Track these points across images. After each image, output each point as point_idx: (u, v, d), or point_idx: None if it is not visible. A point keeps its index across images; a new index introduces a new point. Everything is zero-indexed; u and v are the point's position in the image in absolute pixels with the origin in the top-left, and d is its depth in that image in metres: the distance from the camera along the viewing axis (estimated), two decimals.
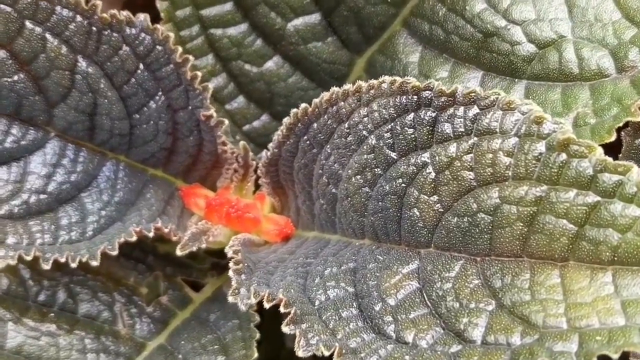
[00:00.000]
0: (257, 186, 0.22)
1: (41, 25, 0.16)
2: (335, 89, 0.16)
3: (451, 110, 0.14)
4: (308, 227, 0.20)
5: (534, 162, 0.12)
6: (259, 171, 0.21)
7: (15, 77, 0.17)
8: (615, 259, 0.11)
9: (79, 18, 0.16)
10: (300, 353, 0.14)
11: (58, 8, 0.16)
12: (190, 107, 0.18)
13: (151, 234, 0.19)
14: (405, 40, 0.19)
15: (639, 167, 0.17)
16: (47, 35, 0.16)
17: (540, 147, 0.12)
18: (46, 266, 0.17)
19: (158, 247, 0.23)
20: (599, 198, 0.12)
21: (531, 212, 0.12)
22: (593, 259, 0.12)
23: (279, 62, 0.20)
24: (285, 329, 0.14)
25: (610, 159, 0.12)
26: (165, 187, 0.23)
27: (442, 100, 0.14)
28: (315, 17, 0.20)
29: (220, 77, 0.20)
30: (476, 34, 0.18)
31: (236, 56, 0.20)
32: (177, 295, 0.22)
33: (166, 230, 0.19)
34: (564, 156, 0.12)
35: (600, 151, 0.12)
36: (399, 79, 0.15)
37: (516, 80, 0.17)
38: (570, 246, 0.12)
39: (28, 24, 0.16)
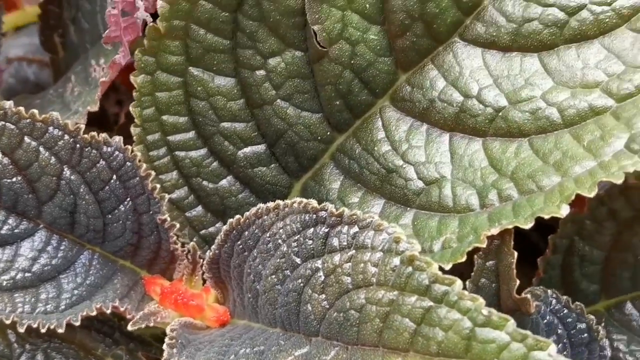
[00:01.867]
0: (205, 280, 0.26)
1: (36, 140, 0.21)
2: (262, 205, 0.21)
3: (339, 227, 0.18)
4: (240, 316, 0.23)
5: (390, 272, 0.16)
6: (204, 267, 0.24)
7: (14, 179, 0.21)
8: (440, 351, 0.15)
9: (66, 136, 0.21)
10: None
11: (50, 128, 0.21)
12: (151, 212, 0.23)
13: (109, 311, 0.23)
14: (331, 170, 0.24)
15: (489, 283, 0.21)
16: (41, 149, 0.21)
17: (396, 260, 0.16)
18: (21, 329, 0.21)
19: (123, 326, 0.26)
20: (431, 303, 0.15)
21: (385, 311, 0.16)
22: (425, 351, 0.15)
23: (231, 181, 0.25)
24: None
25: (440, 273, 0.16)
26: (131, 275, 0.26)
27: (333, 219, 0.18)
28: (261, 147, 0.25)
29: (182, 190, 0.25)
30: (381, 169, 0.23)
31: (196, 174, 0.25)
32: None
33: (122, 309, 0.23)
34: (410, 269, 0.16)
35: (435, 266, 0.16)
36: (304, 200, 0.19)
37: (408, 208, 0.22)
38: (410, 340, 0.15)
39: (26, 139, 0.21)
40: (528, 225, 0.19)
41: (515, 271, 0.20)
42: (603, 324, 0.23)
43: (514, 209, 0.20)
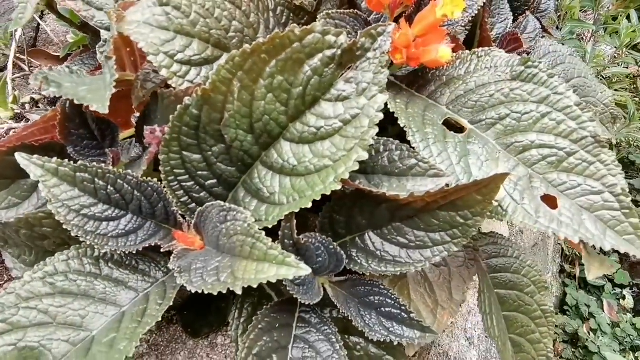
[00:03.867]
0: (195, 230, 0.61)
1: (128, 183, 0.56)
2: (215, 202, 0.55)
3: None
4: (208, 245, 0.59)
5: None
6: (193, 226, 0.60)
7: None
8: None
9: (133, 180, 0.56)
10: None
11: (128, 177, 0.56)
12: (173, 208, 0.58)
13: (156, 243, 0.58)
14: (240, 189, 0.59)
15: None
16: (125, 185, 0.56)
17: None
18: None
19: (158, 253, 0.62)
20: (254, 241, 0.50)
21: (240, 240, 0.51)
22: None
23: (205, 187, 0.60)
24: None
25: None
26: (167, 231, 0.62)
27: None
28: (215, 180, 0.59)
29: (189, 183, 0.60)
30: (258, 192, 0.57)
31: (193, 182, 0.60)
32: None
33: (160, 244, 0.58)
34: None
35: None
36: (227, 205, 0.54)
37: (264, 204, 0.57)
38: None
39: (119, 181, 0.56)
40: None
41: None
42: (348, 247, 0.58)
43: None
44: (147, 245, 0.56)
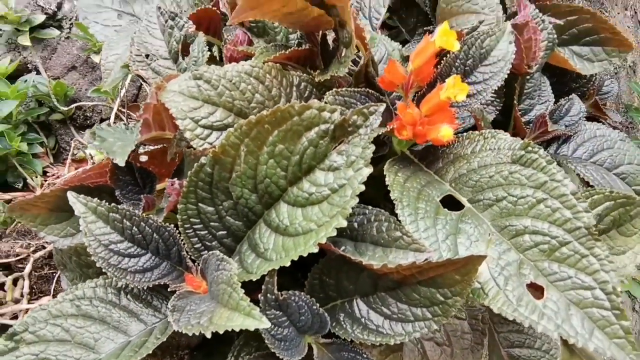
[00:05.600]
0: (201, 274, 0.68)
1: (142, 226, 0.65)
2: (216, 252, 0.61)
3: None
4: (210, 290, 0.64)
5: None
6: (199, 270, 0.66)
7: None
8: None
9: (154, 223, 0.64)
10: None
11: (142, 223, 0.64)
12: (186, 256, 0.65)
13: (166, 282, 0.65)
14: (248, 240, 0.64)
15: None
16: (145, 228, 0.65)
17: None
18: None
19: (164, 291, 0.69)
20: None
21: None
22: None
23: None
24: None
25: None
26: (179, 272, 0.69)
27: None
28: (224, 231, 0.66)
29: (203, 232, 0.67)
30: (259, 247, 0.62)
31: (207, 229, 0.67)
32: None
33: (171, 284, 0.65)
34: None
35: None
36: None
37: None
38: None
39: (137, 226, 0.64)
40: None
41: None
42: (337, 310, 0.60)
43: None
44: (159, 283, 0.64)
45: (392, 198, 0.57)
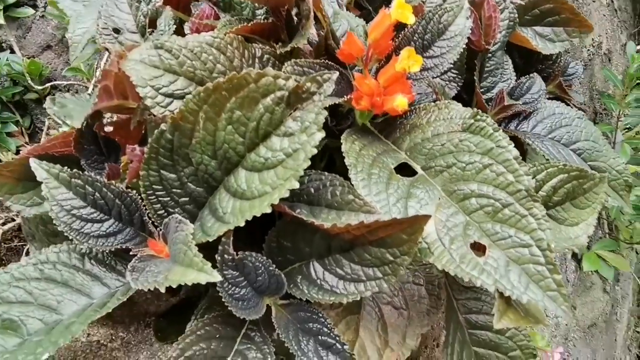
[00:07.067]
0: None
1: (111, 192, 0.66)
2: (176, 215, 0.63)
3: None
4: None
5: None
6: (162, 235, 0.68)
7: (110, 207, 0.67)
8: None
9: (116, 188, 0.66)
10: None
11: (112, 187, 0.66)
12: (150, 220, 0.67)
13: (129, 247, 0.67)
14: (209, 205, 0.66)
15: None
16: (109, 193, 0.66)
17: None
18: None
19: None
20: None
21: None
22: None
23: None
24: None
25: None
26: (142, 238, 0.70)
27: None
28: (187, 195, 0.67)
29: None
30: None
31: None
32: None
33: (134, 248, 0.67)
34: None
35: None
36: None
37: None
38: None
39: (104, 189, 0.66)
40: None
41: None
42: (295, 273, 0.62)
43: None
44: (122, 247, 0.65)
45: (346, 164, 0.59)
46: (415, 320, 0.69)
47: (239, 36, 0.69)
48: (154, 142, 0.62)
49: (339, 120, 0.74)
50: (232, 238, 0.58)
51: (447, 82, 0.82)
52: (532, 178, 0.76)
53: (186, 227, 0.56)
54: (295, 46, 0.66)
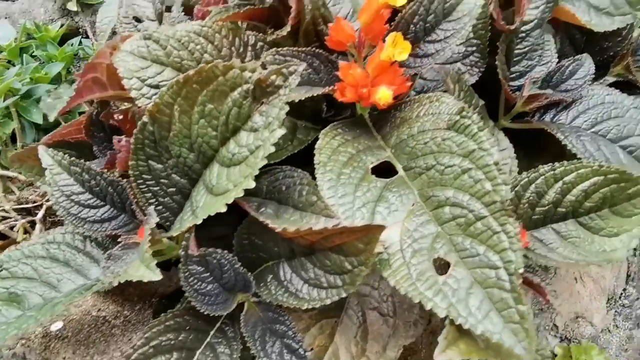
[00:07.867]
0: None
1: (103, 180, 0.69)
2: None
3: None
4: None
5: None
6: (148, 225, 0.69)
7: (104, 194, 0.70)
8: None
9: (108, 176, 0.68)
10: None
11: (102, 174, 0.68)
12: (138, 207, 0.69)
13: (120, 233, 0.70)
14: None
15: None
16: (101, 181, 0.69)
17: None
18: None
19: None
20: None
21: None
22: None
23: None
24: None
25: None
26: (134, 225, 0.73)
27: None
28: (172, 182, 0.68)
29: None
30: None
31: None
32: None
33: (123, 234, 0.70)
34: None
35: None
36: None
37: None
38: None
39: (99, 178, 0.69)
40: None
41: None
42: (266, 273, 0.61)
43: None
44: (114, 234, 0.68)
45: (315, 162, 0.55)
46: (400, 330, 0.64)
47: (229, 23, 0.67)
48: (138, 133, 0.62)
49: (337, 110, 0.70)
50: (193, 233, 0.57)
51: (469, 68, 0.73)
52: (560, 179, 0.66)
53: (151, 220, 0.57)
54: (279, 34, 0.62)
